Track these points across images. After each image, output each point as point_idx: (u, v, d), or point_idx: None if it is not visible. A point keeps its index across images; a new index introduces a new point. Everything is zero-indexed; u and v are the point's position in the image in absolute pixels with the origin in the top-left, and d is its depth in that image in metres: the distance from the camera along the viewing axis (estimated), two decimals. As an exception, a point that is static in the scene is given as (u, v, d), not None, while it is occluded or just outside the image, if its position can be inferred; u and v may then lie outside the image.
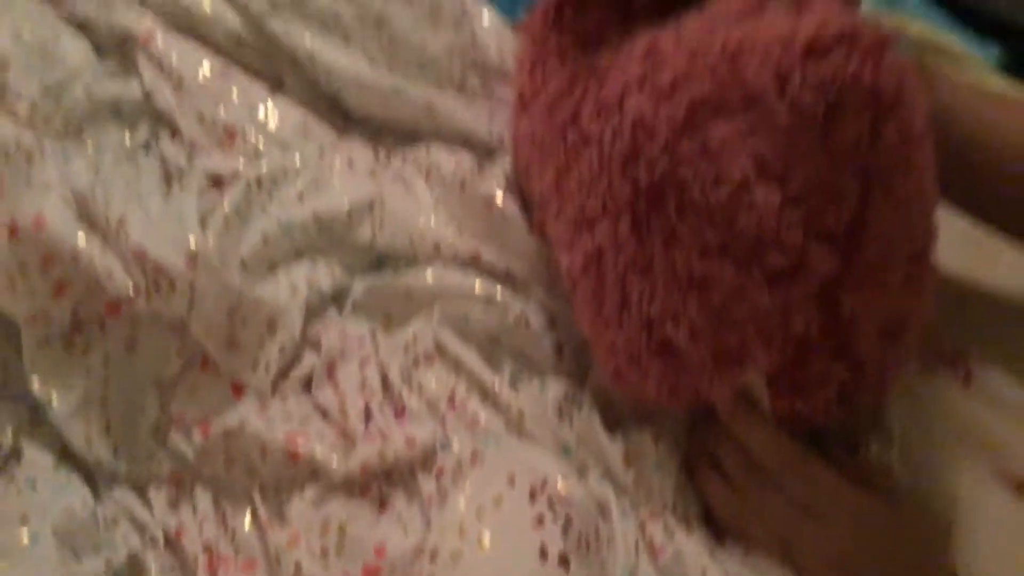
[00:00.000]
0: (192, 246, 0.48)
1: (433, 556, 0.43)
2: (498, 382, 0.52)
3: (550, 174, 0.51)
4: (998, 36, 0.76)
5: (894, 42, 0.38)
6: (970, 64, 0.71)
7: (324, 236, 0.56)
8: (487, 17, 0.65)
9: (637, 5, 0.51)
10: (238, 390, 0.51)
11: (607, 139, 0.44)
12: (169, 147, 0.59)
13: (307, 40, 0.61)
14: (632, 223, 0.43)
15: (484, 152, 0.62)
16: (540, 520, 0.43)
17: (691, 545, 0.47)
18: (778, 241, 0.39)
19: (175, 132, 0.59)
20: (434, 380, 0.52)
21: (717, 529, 0.49)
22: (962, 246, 0.54)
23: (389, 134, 0.64)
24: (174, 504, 0.51)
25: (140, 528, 0.50)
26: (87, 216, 0.48)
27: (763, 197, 0.39)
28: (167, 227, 0.50)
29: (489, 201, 0.57)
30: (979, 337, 0.54)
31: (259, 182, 0.56)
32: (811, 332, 0.41)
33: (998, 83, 0.70)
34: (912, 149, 0.39)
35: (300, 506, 0.49)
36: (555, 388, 0.53)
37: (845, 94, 0.36)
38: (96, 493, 0.51)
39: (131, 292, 0.47)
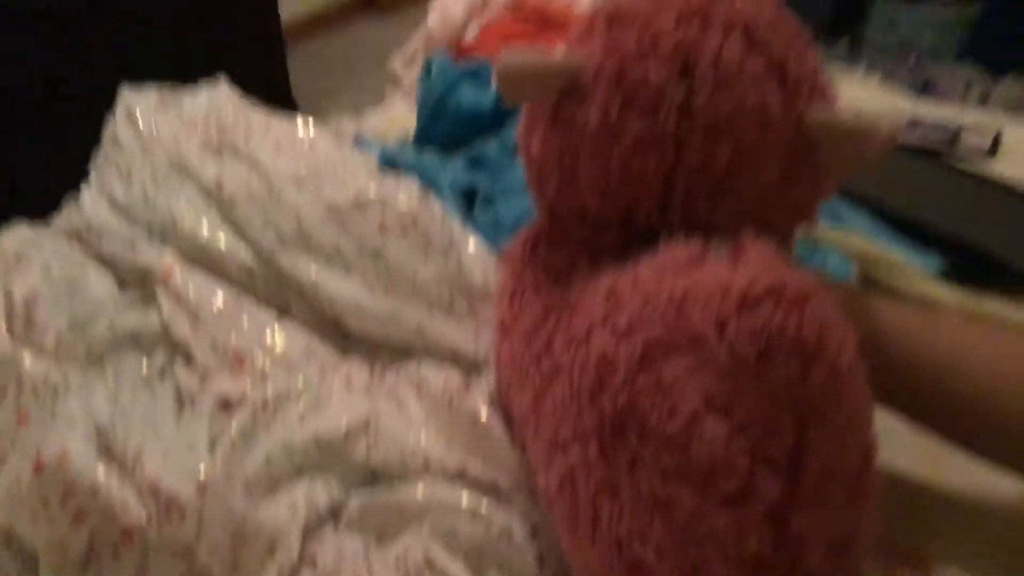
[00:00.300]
0: (202, 475, 0.53)
1: None
2: (484, 596, 0.54)
3: (528, 396, 0.56)
4: (938, 247, 0.83)
5: (818, 292, 0.44)
6: (912, 273, 0.78)
7: (322, 455, 0.61)
8: (472, 245, 0.72)
9: (604, 244, 0.58)
10: (238, 611, 0.54)
11: (576, 370, 0.49)
12: (183, 373, 0.64)
13: (312, 272, 0.68)
14: (600, 448, 0.47)
15: (471, 368, 0.68)
16: None
17: None
18: (728, 467, 0.43)
19: (189, 359, 0.65)
20: (423, 595, 0.55)
21: None
22: (914, 449, 0.59)
23: (385, 352, 0.70)
24: None
25: None
26: (106, 450, 0.52)
27: (712, 428, 0.43)
28: (179, 455, 0.54)
29: (475, 417, 0.62)
30: (936, 536, 0.58)
31: (264, 404, 0.61)
32: (764, 550, 0.44)
33: (939, 290, 0.77)
34: (841, 384, 0.44)
35: None
36: (538, 600, 0.55)
37: (773, 342, 0.42)
38: None
39: (144, 522, 0.51)
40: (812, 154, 0.51)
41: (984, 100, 2.62)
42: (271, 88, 2.52)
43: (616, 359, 0.46)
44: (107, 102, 0.82)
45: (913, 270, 0.78)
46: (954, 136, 1.09)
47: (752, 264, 0.46)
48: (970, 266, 0.82)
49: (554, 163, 0.55)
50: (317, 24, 3.49)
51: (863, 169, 0.52)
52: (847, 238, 0.79)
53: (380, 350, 0.70)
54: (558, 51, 0.55)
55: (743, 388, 0.43)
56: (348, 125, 1.13)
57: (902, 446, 0.59)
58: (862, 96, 1.29)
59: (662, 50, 0.48)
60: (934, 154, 1.04)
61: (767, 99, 0.49)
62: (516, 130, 0.59)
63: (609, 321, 0.48)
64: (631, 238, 0.55)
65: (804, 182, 0.52)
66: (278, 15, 2.55)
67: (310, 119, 0.78)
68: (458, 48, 1.31)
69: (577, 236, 0.58)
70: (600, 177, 0.52)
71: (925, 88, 2.56)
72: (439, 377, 0.66)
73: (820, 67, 0.51)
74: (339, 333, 0.70)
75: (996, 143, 1.07)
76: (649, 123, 0.49)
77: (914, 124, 1.12)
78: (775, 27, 0.50)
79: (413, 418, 0.64)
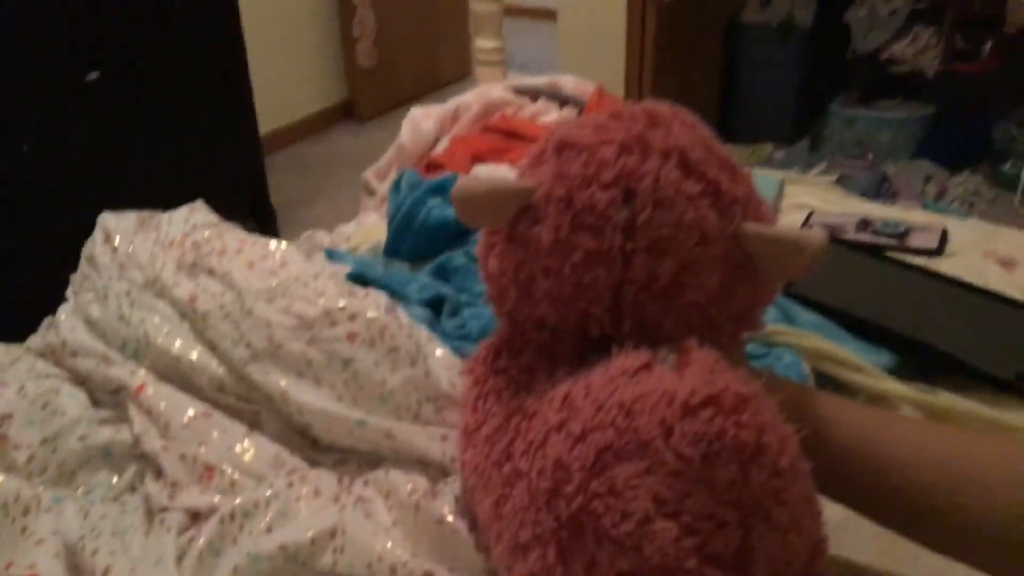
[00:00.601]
0: (169, 589, 0.53)
1: None
2: None
3: (490, 501, 0.57)
4: (888, 345, 0.87)
5: (757, 397, 0.47)
6: (865, 370, 0.81)
7: (289, 565, 0.61)
8: (439, 351, 0.75)
9: (561, 352, 0.61)
10: None
11: (534, 475, 0.51)
12: (153, 486, 0.65)
13: (282, 382, 0.70)
14: (558, 552, 0.49)
15: (438, 472, 0.69)
16: None
17: None
18: (678, 567, 0.45)
19: (159, 472, 0.66)
20: None
21: None
22: (869, 540, 0.61)
23: (353, 461, 0.71)
24: None
25: None
26: (75, 568, 0.53)
27: (661, 528, 0.45)
28: (147, 569, 0.55)
29: (441, 521, 0.63)
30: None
31: (232, 515, 0.62)
32: (719, 648, 0.46)
33: (892, 385, 0.80)
34: (783, 484, 0.46)
35: None
36: None
37: (714, 446, 0.44)
38: None
39: (110, 639, 0.51)
40: (749, 265, 0.54)
41: (941, 195, 2.73)
42: (249, 194, 2.58)
43: (571, 464, 0.48)
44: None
45: (866, 366, 0.81)
46: (903, 235, 1.14)
47: (695, 372, 0.49)
48: (921, 362, 0.85)
49: (511, 278, 0.58)
50: (295, 132, 3.60)
51: (798, 278, 0.56)
52: (800, 337, 0.83)
53: (349, 459, 0.71)
54: (514, 170, 0.60)
55: (690, 489, 0.45)
56: (323, 236, 1.16)
57: (856, 538, 0.60)
58: (818, 195, 1.35)
59: (605, 178, 0.52)
60: (883, 253, 1.09)
61: (704, 217, 0.52)
62: (476, 248, 0.62)
63: (564, 427, 0.50)
64: (586, 346, 0.58)
65: (743, 291, 0.56)
66: (256, 123, 2.63)
67: (283, 242, 0.81)
68: (429, 160, 1.37)
69: (536, 345, 0.61)
70: (554, 290, 0.56)
71: (883, 184, 2.66)
72: (406, 483, 0.67)
73: (752, 186, 0.55)
74: (308, 443, 0.72)
75: (943, 242, 1.13)
76: (597, 241, 0.53)
77: (864, 224, 1.18)
78: (709, 152, 0.54)
79: (380, 524, 0.65)
